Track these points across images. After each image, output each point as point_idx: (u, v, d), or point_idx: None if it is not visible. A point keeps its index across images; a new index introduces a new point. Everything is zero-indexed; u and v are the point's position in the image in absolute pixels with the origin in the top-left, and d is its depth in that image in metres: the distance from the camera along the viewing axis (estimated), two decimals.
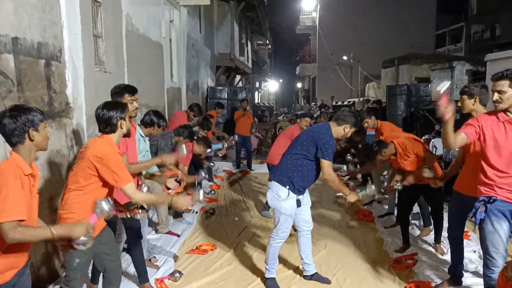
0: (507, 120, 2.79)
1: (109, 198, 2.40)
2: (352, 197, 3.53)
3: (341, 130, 3.54)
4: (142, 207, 3.02)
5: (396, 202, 5.65)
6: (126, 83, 5.65)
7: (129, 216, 2.97)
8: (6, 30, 3.21)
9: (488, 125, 2.83)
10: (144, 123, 3.96)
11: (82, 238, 2.19)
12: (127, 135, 2.88)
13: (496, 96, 2.75)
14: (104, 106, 2.73)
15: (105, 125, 2.68)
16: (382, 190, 5.10)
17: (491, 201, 2.78)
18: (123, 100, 3.32)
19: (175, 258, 4.38)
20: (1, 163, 2.09)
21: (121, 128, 2.73)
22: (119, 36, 5.74)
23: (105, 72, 5.36)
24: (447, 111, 2.62)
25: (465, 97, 3.33)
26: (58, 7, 4.00)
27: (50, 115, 3.87)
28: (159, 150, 4.62)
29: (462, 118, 3.92)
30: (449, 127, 2.73)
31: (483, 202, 2.79)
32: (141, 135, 3.85)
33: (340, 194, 3.59)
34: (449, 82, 2.70)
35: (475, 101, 3.27)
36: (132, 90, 3.45)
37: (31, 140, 2.11)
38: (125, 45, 5.86)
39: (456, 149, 3.89)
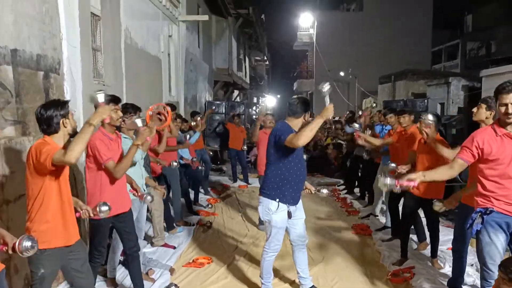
0: (505, 134, 2.80)
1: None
2: (328, 111, 3.26)
3: (301, 120, 3.53)
4: (104, 203, 2.90)
5: (390, 216, 5.63)
6: (125, 96, 5.71)
7: (91, 215, 2.87)
8: (6, 41, 3.25)
9: (485, 140, 2.84)
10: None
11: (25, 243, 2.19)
12: (75, 133, 2.70)
13: (511, 108, 2.71)
14: (43, 105, 2.61)
15: (46, 125, 2.55)
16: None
17: (488, 212, 2.78)
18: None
19: (171, 271, 4.34)
20: None
21: (64, 127, 2.59)
22: (118, 50, 5.80)
23: (104, 85, 5.40)
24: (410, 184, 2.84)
25: (483, 105, 3.39)
26: (58, 19, 4.06)
27: None
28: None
29: (470, 127, 3.96)
30: (438, 176, 3.00)
31: (480, 214, 2.79)
32: (124, 137, 3.68)
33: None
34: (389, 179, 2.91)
35: (490, 114, 3.35)
36: (115, 100, 3.37)
37: None
38: (123, 58, 5.91)
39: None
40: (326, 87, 3.38)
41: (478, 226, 2.80)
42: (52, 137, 2.57)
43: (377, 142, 5.64)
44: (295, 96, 3.73)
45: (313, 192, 3.94)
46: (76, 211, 2.80)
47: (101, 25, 5.45)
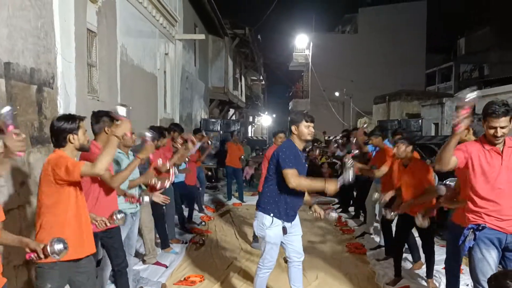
0: (492, 149, 2.81)
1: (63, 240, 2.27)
2: (331, 186, 3.25)
3: (302, 130, 3.43)
4: (119, 211, 2.94)
5: (383, 236, 5.58)
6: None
7: (108, 224, 2.87)
8: None
9: (475, 152, 2.85)
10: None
11: (57, 246, 2.17)
12: (83, 149, 2.72)
13: (500, 132, 2.69)
14: (57, 118, 2.63)
15: (55, 138, 2.59)
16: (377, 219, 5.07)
17: (480, 228, 2.76)
18: (104, 124, 3.26)
19: (163, 287, 4.26)
20: None
21: (71, 142, 2.58)
22: (114, 66, 5.83)
23: (98, 100, 5.40)
24: (462, 123, 2.56)
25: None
26: (53, 34, 4.08)
27: (40, 140, 3.86)
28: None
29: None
30: (454, 141, 2.70)
31: (472, 230, 2.77)
32: (119, 152, 3.64)
33: (315, 214, 3.62)
34: (477, 93, 2.59)
35: (468, 131, 3.34)
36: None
37: None
38: (119, 75, 5.94)
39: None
40: (473, 95, 2.61)
41: (470, 242, 2.78)
42: (62, 150, 2.58)
43: (370, 173, 5.52)
44: (292, 114, 3.73)
45: (322, 217, 3.76)
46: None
47: (97, 41, 5.49)
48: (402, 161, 4.44)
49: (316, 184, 3.38)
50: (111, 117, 3.29)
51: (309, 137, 3.50)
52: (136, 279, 4.24)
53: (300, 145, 3.50)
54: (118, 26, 5.88)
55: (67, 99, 4.37)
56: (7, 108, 2.05)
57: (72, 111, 4.45)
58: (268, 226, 3.43)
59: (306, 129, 3.44)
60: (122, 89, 6.00)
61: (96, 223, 2.84)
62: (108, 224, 2.91)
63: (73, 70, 4.48)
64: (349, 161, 3.43)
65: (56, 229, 2.51)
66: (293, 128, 3.48)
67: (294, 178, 3.26)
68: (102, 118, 3.33)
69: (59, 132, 2.56)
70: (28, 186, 3.60)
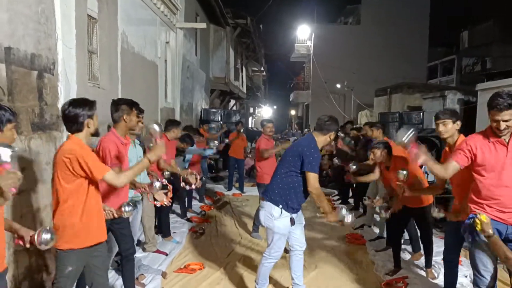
0: (497, 141, 2.80)
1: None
2: (331, 217, 3.49)
3: (327, 138, 3.59)
4: (128, 204, 2.97)
5: (386, 226, 5.61)
6: None
7: (116, 216, 2.92)
8: (0, 39, 3.21)
9: (478, 146, 2.84)
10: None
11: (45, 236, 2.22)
12: (96, 134, 2.77)
13: (503, 125, 2.68)
14: (71, 103, 2.61)
15: (71, 123, 2.58)
16: (378, 213, 5.06)
17: None
18: (123, 113, 3.35)
19: (164, 275, 4.29)
20: None
21: (88, 127, 2.61)
22: (114, 53, 5.78)
23: (99, 88, 5.37)
24: (418, 156, 2.83)
25: (449, 121, 3.33)
26: (54, 19, 4.03)
27: (41, 126, 3.84)
28: None
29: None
30: (430, 166, 2.93)
31: (473, 219, 2.77)
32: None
33: (323, 217, 3.59)
34: (413, 130, 3.01)
35: (458, 125, 3.36)
36: (138, 106, 3.52)
37: None
38: (120, 62, 5.89)
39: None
40: (409, 134, 2.99)
41: (469, 237, 2.78)
42: (77, 135, 2.59)
43: (368, 178, 5.40)
44: (326, 115, 3.74)
45: (338, 223, 3.64)
46: None
47: (98, 27, 5.44)
48: (383, 164, 4.53)
49: (325, 204, 3.51)
50: (130, 106, 3.37)
51: (326, 147, 3.65)
52: (137, 266, 4.24)
53: (319, 146, 3.56)
54: (119, 12, 5.82)
55: (67, 86, 4.33)
56: (4, 149, 2.01)
57: (73, 97, 4.44)
58: (277, 217, 3.45)
59: (329, 138, 3.61)
60: (123, 77, 5.96)
61: (104, 212, 2.86)
62: (115, 215, 2.95)
63: (73, 56, 4.44)
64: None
65: (74, 216, 2.55)
66: (322, 133, 3.57)
67: (316, 184, 3.39)
68: (121, 107, 3.40)
69: (76, 117, 2.57)
70: (29, 172, 3.59)
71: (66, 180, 2.52)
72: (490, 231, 2.59)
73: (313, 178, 3.37)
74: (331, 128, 3.55)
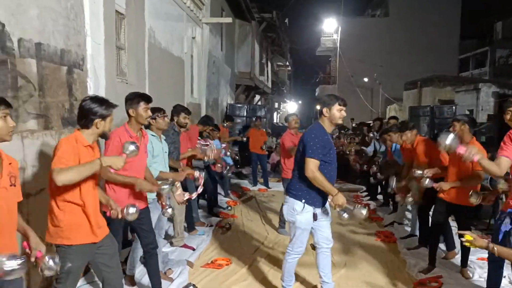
0: None
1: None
2: (338, 199, 3.25)
3: (334, 113, 3.33)
4: (133, 205, 2.82)
5: (418, 224, 5.44)
6: None
7: (119, 216, 2.79)
8: (30, 35, 3.25)
9: None
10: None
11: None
12: (104, 136, 2.66)
13: None
14: (92, 97, 2.57)
15: (82, 116, 2.52)
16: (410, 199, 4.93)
17: None
18: (138, 108, 3.23)
19: (190, 264, 4.31)
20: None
21: (96, 127, 2.53)
22: (142, 49, 5.80)
23: (127, 83, 5.41)
24: (472, 155, 2.77)
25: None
26: (83, 15, 4.06)
27: (71, 122, 3.88)
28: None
29: (500, 134, 3.84)
30: (484, 165, 2.86)
31: (509, 214, 2.63)
32: (152, 135, 3.70)
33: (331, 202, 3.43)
34: (453, 134, 3.02)
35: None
36: (148, 98, 3.33)
37: None
38: (147, 58, 5.91)
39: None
40: (450, 138, 2.99)
41: (507, 227, 2.65)
42: (82, 131, 2.54)
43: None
44: (322, 96, 3.59)
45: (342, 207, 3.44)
46: (106, 209, 2.79)
47: (126, 23, 5.47)
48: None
49: (328, 187, 3.28)
50: (135, 99, 3.28)
51: (340, 121, 3.41)
52: (165, 261, 4.27)
53: (329, 129, 3.41)
54: (146, 8, 5.83)
55: (96, 82, 4.37)
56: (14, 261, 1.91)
57: (102, 93, 4.47)
58: (299, 211, 3.37)
59: (338, 112, 3.34)
60: (150, 73, 5.98)
61: (111, 211, 2.79)
62: (119, 216, 2.80)
63: (102, 52, 4.47)
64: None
65: (58, 216, 2.49)
66: (324, 110, 3.37)
67: (313, 169, 3.22)
68: (128, 101, 3.30)
69: (88, 113, 2.51)
70: None
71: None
72: None
73: (310, 163, 3.21)
74: (331, 101, 3.34)
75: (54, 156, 2.38)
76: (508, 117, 3.15)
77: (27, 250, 2.21)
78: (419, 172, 4.45)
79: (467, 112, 13.35)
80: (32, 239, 2.22)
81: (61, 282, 2.56)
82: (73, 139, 2.50)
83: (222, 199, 7.67)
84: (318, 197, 3.41)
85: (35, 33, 3.31)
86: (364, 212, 3.39)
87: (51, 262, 2.17)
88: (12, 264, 1.92)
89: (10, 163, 2.12)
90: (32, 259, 2.18)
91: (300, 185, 3.40)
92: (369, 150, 8.10)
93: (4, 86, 2.95)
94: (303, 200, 3.37)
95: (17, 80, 3.10)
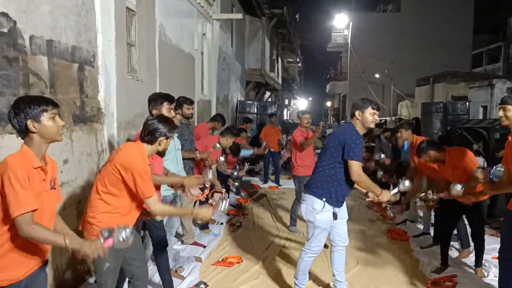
0: None
1: (130, 228, 2.16)
2: (384, 196, 3.27)
3: (367, 117, 3.30)
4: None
5: (433, 221, 5.37)
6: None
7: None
8: (42, 32, 3.24)
9: None
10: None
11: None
12: (161, 154, 2.82)
13: None
14: (158, 117, 2.73)
15: (147, 134, 2.65)
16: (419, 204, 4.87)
17: None
18: (162, 108, 3.36)
19: (199, 260, 4.36)
20: (8, 156, 1.95)
21: (159, 145, 2.67)
22: (152, 46, 5.79)
23: (137, 80, 5.40)
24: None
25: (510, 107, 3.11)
26: (94, 12, 4.05)
27: (82, 119, 3.88)
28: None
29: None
30: (497, 190, 3.13)
31: None
32: None
33: (371, 198, 3.38)
34: (463, 185, 3.53)
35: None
36: (171, 99, 3.48)
37: (33, 132, 1.97)
38: (157, 55, 5.90)
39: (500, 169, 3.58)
40: (460, 187, 3.53)
41: None
42: (145, 145, 2.64)
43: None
44: (356, 100, 3.49)
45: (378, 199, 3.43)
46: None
47: (136, 20, 5.45)
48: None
49: (373, 187, 3.31)
50: (158, 99, 3.40)
51: (372, 125, 3.38)
52: (176, 258, 4.26)
53: (361, 132, 3.35)
54: (157, 4, 5.81)
55: (107, 79, 4.36)
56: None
57: (113, 90, 4.47)
58: (319, 210, 3.32)
59: (371, 116, 3.31)
60: (161, 70, 5.97)
61: None
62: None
63: (113, 49, 4.45)
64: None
65: (107, 213, 2.53)
66: (357, 113, 3.33)
67: (360, 172, 3.21)
68: (151, 102, 3.45)
69: (155, 132, 2.63)
70: (70, 164, 3.64)
71: (110, 180, 2.50)
72: None
73: (355, 165, 3.18)
74: (365, 104, 3.31)
75: (140, 181, 2.46)
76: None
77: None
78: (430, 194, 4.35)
79: (481, 108, 13.15)
80: (70, 243, 2.14)
81: (102, 284, 2.59)
82: (141, 155, 2.57)
83: (232, 197, 7.65)
84: (338, 196, 3.38)
85: (47, 30, 3.30)
86: (407, 183, 3.42)
87: (124, 234, 2.09)
88: (127, 234, 2.07)
89: (52, 167, 2.13)
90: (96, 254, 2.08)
91: (322, 183, 3.36)
92: (376, 157, 7.97)
93: (16, 83, 2.95)
94: (324, 199, 3.33)
95: (28, 78, 3.10)
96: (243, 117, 12.26)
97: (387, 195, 3.28)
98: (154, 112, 3.37)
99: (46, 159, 2.10)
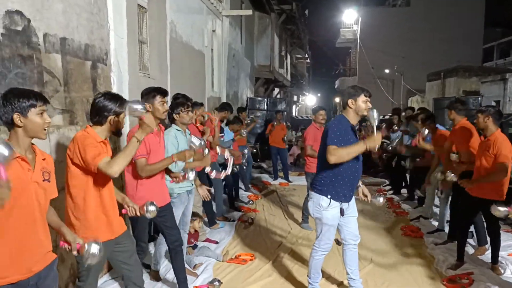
0: None
1: (98, 242, 2.18)
2: (370, 141, 3.06)
3: (360, 104, 3.23)
4: (152, 203, 2.72)
5: (448, 218, 5.31)
6: (169, 90, 5.67)
7: (138, 214, 2.72)
8: (55, 30, 3.24)
9: None
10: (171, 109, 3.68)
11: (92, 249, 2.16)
12: (116, 133, 2.61)
13: None
14: (104, 94, 2.52)
15: (95, 114, 2.48)
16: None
17: None
18: (154, 101, 3.20)
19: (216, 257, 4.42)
20: None
21: (110, 124, 2.49)
22: (163, 43, 5.78)
23: (149, 77, 5.40)
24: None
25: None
26: (106, 10, 4.05)
27: None
28: None
29: None
30: None
31: None
32: (177, 130, 3.65)
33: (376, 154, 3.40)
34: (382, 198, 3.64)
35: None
36: (163, 92, 3.30)
37: (19, 126, 1.94)
38: (169, 52, 5.89)
39: None
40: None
41: None
42: (94, 127, 2.50)
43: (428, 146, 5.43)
44: (346, 89, 3.46)
45: (368, 200, 3.59)
46: (122, 207, 2.74)
47: (148, 17, 5.45)
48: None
49: (355, 148, 3.12)
50: (150, 93, 3.23)
51: (365, 113, 3.28)
52: (190, 259, 4.26)
53: (354, 120, 3.31)
54: (168, 1, 5.80)
55: (120, 76, 4.36)
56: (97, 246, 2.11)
57: (125, 88, 4.48)
58: (326, 207, 3.29)
59: (363, 104, 3.25)
60: (172, 67, 5.96)
61: (128, 209, 2.73)
62: (138, 214, 2.73)
63: (125, 46, 4.45)
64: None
65: (77, 213, 2.48)
66: (350, 101, 3.27)
67: (332, 153, 3.06)
68: (144, 96, 3.28)
69: (102, 110, 2.46)
70: None
71: (71, 174, 2.45)
72: None
73: (328, 150, 3.09)
74: (356, 92, 3.25)
75: (85, 153, 2.34)
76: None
77: (65, 246, 2.21)
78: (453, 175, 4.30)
79: (493, 104, 12.94)
80: (68, 234, 2.22)
81: (83, 280, 2.57)
82: (88, 134, 2.45)
83: (243, 194, 7.65)
84: (344, 191, 3.32)
85: (60, 28, 3.31)
86: (381, 200, 3.59)
87: (93, 249, 2.15)
88: (96, 249, 2.14)
89: (44, 159, 2.10)
90: (74, 253, 2.19)
91: (325, 180, 3.31)
92: (393, 137, 7.90)
93: (30, 81, 2.96)
94: (329, 196, 3.29)
95: (43, 76, 3.10)
96: (253, 113, 12.27)
97: (372, 141, 3.07)
98: (147, 106, 3.16)
99: (36, 150, 2.07)
